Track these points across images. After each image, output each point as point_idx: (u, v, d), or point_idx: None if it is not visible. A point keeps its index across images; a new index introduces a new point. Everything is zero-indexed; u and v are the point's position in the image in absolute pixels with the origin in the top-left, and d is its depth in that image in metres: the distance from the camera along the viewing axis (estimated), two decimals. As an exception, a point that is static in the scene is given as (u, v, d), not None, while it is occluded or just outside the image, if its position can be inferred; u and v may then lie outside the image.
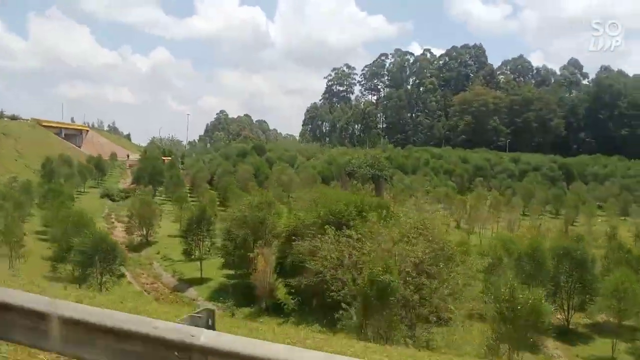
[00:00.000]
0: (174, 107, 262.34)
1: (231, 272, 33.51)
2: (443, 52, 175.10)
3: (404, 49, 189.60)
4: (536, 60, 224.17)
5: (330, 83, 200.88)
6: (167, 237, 43.10)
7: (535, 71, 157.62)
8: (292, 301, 27.37)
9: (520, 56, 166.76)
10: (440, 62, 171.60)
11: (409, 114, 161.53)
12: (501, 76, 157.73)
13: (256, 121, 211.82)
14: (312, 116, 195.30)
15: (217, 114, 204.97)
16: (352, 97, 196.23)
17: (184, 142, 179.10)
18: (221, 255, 33.99)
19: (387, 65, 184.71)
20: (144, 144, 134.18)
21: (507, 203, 59.12)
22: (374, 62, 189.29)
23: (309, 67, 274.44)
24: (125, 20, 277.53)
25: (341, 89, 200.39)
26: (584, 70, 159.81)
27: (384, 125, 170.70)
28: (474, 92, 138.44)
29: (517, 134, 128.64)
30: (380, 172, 79.63)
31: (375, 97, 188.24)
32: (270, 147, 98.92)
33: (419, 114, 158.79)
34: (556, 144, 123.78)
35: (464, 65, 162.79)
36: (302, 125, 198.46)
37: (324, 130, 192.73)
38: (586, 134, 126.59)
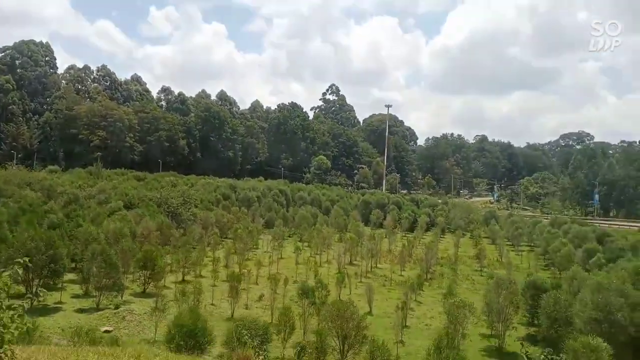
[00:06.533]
0: None
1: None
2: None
3: None
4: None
5: None
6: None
7: (121, 85, 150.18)
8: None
9: (86, 66, 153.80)
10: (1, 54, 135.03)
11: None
12: (92, 85, 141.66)
13: None
14: None
15: None
16: None
17: None
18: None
19: None
20: None
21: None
22: None
23: None
24: None
25: None
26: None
27: None
28: (105, 105, 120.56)
29: (148, 153, 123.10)
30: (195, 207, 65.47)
31: None
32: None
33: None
34: (183, 163, 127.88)
35: (39, 65, 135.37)
36: None
37: None
38: (202, 155, 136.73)
